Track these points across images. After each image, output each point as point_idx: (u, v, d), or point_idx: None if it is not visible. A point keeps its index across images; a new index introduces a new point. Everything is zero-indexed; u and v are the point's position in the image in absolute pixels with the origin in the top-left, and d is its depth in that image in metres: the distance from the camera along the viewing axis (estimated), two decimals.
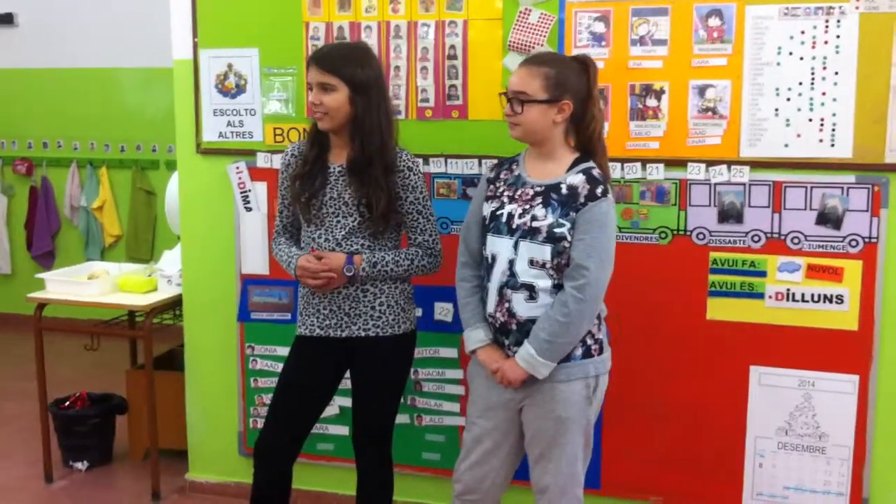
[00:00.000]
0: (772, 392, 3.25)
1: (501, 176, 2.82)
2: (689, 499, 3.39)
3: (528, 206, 2.70)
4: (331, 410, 3.68)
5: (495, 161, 2.93)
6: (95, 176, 6.50)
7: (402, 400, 3.49)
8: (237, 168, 3.66)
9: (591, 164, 2.74)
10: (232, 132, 3.67)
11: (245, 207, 3.67)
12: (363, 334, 2.96)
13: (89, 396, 4.40)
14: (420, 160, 3.14)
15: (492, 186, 2.82)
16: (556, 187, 2.70)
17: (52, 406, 4.27)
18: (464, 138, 3.40)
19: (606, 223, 2.67)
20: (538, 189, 2.71)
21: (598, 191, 2.66)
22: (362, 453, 3.10)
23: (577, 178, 2.69)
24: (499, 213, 2.74)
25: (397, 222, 2.99)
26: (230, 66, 3.63)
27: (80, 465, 4.25)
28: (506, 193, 2.76)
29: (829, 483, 3.25)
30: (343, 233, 2.91)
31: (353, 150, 2.88)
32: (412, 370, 3.54)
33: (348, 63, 2.83)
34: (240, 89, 3.63)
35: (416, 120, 3.44)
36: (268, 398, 3.74)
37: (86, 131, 6.51)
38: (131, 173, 6.43)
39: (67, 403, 4.33)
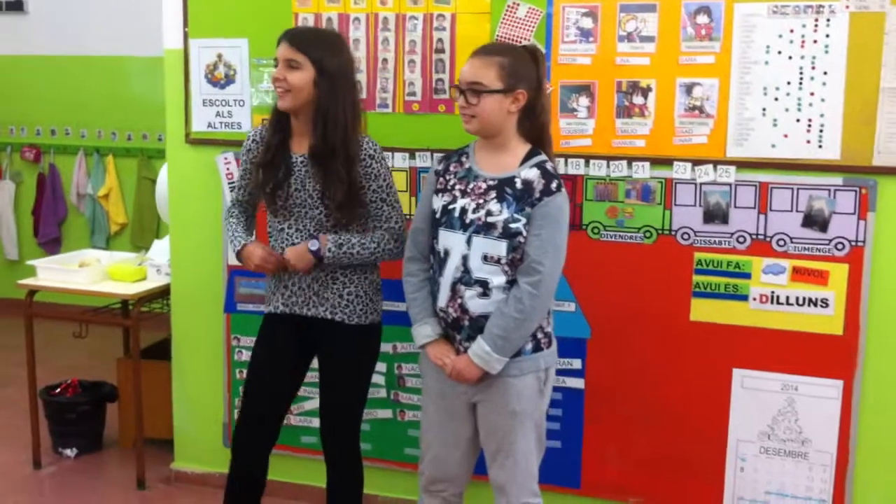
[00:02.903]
0: (754, 395, 3.21)
1: (451, 168, 2.79)
2: (670, 501, 3.35)
3: (481, 201, 2.67)
4: (315, 403, 3.68)
5: (442, 154, 2.90)
6: (102, 164, 6.51)
7: (386, 394, 3.50)
8: (225, 158, 3.65)
9: (543, 157, 2.71)
10: (221, 122, 3.67)
11: None
12: (329, 316, 2.94)
13: (81, 384, 4.41)
14: (381, 149, 3.03)
15: (441, 179, 2.79)
16: (510, 181, 2.67)
17: (43, 392, 4.29)
18: (450, 132, 3.35)
19: (561, 219, 2.66)
20: (491, 183, 2.69)
21: (553, 185, 2.65)
22: (330, 445, 3.09)
23: (531, 173, 2.67)
24: (451, 207, 2.72)
25: (363, 214, 2.95)
26: (220, 56, 3.63)
27: (69, 452, 4.27)
28: (457, 187, 2.74)
29: (811, 489, 3.20)
30: (313, 225, 2.90)
31: (315, 137, 2.85)
32: (396, 364, 3.54)
33: (319, 46, 2.83)
34: (229, 79, 3.63)
35: (404, 113, 3.42)
36: None
37: (93, 119, 6.52)
38: (137, 162, 6.44)
39: (58, 390, 4.35)
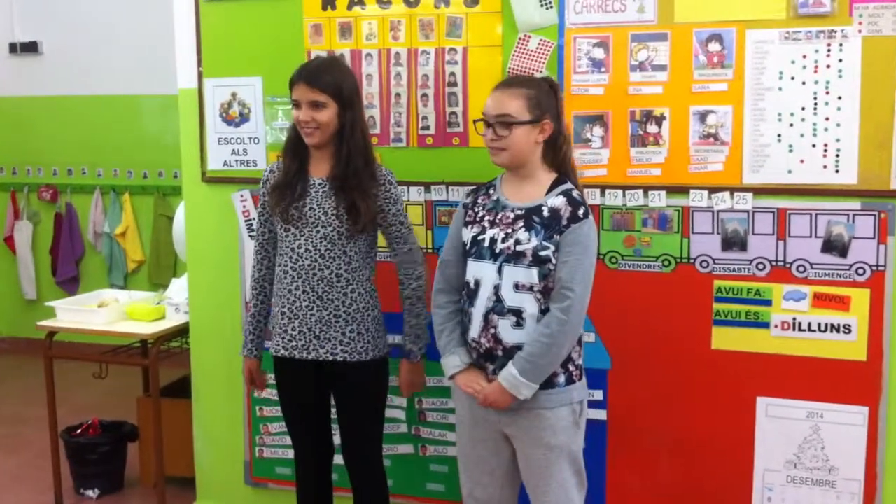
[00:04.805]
0: (779, 424, 3.17)
1: (479, 201, 2.83)
2: None
3: (510, 230, 2.69)
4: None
5: (472, 187, 2.94)
6: (118, 202, 6.55)
7: (407, 429, 3.50)
8: (241, 196, 3.67)
9: (569, 185, 2.74)
10: (236, 160, 3.68)
11: (249, 235, 3.67)
12: (331, 358, 2.97)
13: (101, 424, 4.41)
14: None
15: (470, 212, 2.82)
16: (537, 210, 2.69)
17: (64, 433, 4.29)
18: (465, 165, 3.37)
19: (589, 245, 2.67)
20: (518, 212, 2.71)
21: (580, 212, 2.66)
22: (354, 472, 3.13)
23: (558, 201, 2.68)
24: (480, 237, 2.74)
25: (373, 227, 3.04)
26: (234, 94, 3.64)
27: (90, 493, 4.27)
28: (486, 218, 2.76)
29: None
30: (325, 243, 2.93)
31: (339, 162, 2.91)
32: (416, 399, 3.53)
33: (334, 78, 2.89)
34: (243, 118, 3.64)
35: (418, 147, 3.42)
36: (273, 427, 3.75)
37: (109, 158, 6.57)
38: (153, 199, 6.48)
39: (79, 431, 4.35)
